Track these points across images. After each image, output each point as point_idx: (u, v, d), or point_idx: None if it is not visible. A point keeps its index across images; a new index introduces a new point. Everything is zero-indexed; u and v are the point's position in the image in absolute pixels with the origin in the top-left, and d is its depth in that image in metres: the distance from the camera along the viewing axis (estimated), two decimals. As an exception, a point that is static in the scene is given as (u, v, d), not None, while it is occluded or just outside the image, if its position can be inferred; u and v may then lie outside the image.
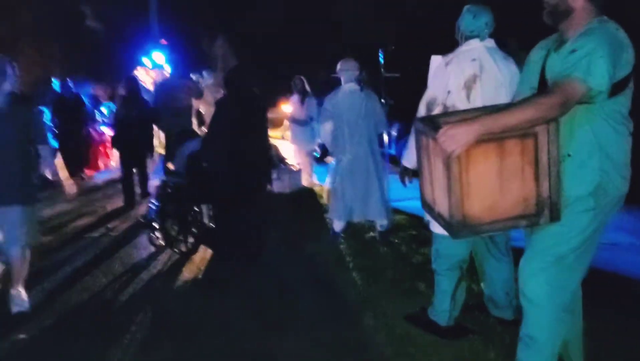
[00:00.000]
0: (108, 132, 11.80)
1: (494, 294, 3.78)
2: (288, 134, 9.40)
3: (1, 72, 4.08)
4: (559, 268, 2.60)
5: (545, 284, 2.61)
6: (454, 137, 2.37)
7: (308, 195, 8.15)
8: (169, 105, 7.86)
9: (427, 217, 3.38)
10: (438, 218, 2.76)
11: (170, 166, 6.17)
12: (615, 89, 2.46)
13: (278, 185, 8.55)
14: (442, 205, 2.63)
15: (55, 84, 11.40)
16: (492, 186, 2.51)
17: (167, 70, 13.43)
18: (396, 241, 5.81)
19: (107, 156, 11.21)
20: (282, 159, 9.30)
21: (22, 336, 3.89)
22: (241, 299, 4.48)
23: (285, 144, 9.84)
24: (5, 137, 4.10)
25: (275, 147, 9.54)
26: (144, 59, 16.11)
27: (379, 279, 4.79)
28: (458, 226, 2.53)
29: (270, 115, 12.32)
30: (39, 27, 28.00)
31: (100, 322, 4.16)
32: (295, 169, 8.91)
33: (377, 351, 3.57)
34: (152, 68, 15.50)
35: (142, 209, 7.26)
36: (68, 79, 11.00)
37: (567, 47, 2.52)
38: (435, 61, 3.76)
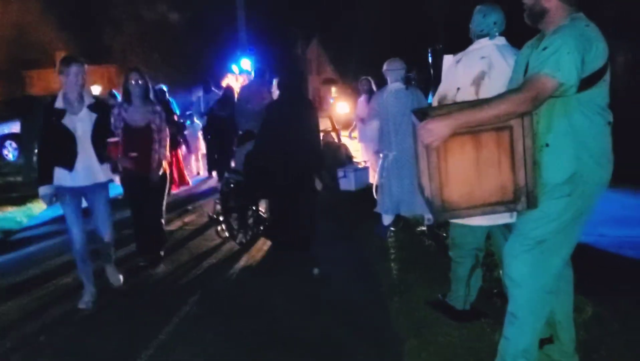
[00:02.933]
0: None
1: (511, 281, 3.93)
2: (356, 133, 9.71)
3: None
4: (538, 251, 2.76)
5: (526, 266, 2.79)
6: (431, 131, 2.63)
7: (373, 192, 8.42)
8: (242, 109, 8.40)
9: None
10: (427, 201, 3.01)
11: (232, 164, 6.69)
12: (589, 82, 2.61)
13: (345, 182, 8.91)
14: (427, 190, 2.89)
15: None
16: (469, 174, 2.73)
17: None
18: (444, 234, 5.98)
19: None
20: (350, 157, 9.64)
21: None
22: (287, 285, 4.92)
23: (353, 143, 10.15)
24: None
25: (344, 146, 9.91)
26: (233, 66, 17.00)
27: (414, 269, 5.05)
28: (439, 210, 2.78)
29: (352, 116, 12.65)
30: (143, 39, 30.08)
31: (162, 300, 4.72)
32: (362, 167, 9.22)
33: (394, 331, 3.89)
34: (240, 74, 16.35)
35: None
36: (162, 85, 10.53)
37: (541, 45, 2.69)
38: (447, 60, 3.96)
